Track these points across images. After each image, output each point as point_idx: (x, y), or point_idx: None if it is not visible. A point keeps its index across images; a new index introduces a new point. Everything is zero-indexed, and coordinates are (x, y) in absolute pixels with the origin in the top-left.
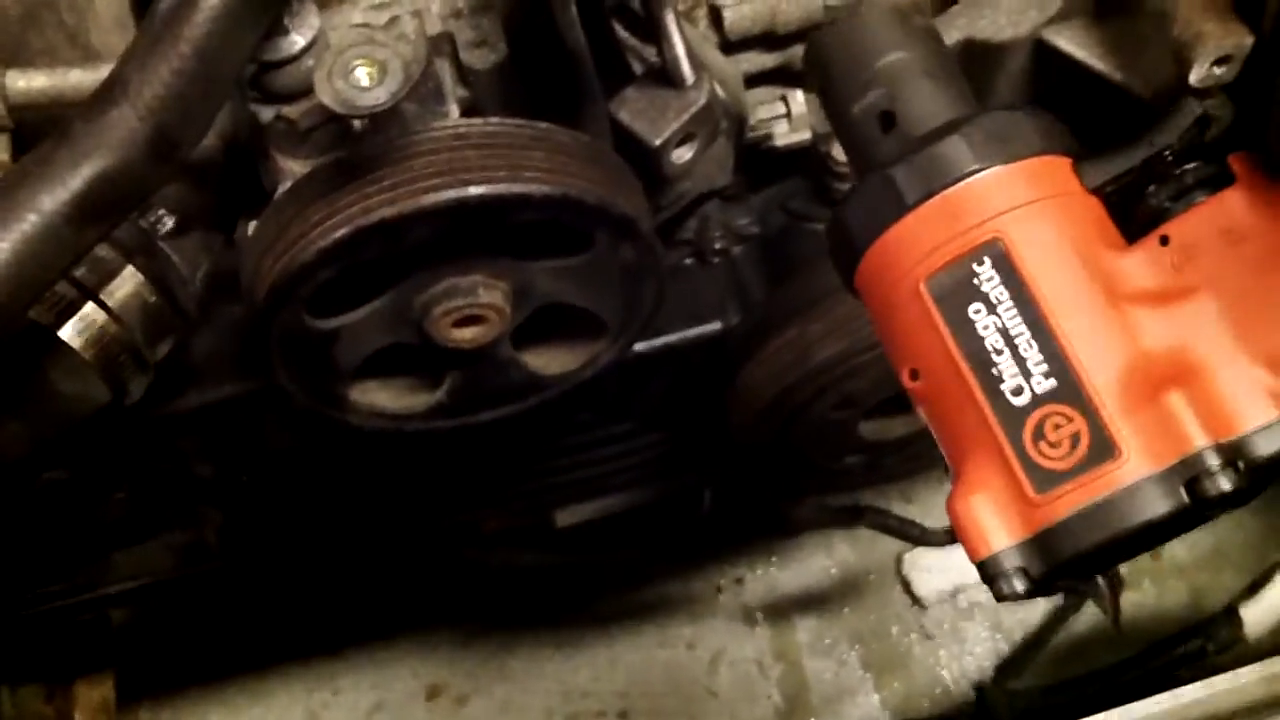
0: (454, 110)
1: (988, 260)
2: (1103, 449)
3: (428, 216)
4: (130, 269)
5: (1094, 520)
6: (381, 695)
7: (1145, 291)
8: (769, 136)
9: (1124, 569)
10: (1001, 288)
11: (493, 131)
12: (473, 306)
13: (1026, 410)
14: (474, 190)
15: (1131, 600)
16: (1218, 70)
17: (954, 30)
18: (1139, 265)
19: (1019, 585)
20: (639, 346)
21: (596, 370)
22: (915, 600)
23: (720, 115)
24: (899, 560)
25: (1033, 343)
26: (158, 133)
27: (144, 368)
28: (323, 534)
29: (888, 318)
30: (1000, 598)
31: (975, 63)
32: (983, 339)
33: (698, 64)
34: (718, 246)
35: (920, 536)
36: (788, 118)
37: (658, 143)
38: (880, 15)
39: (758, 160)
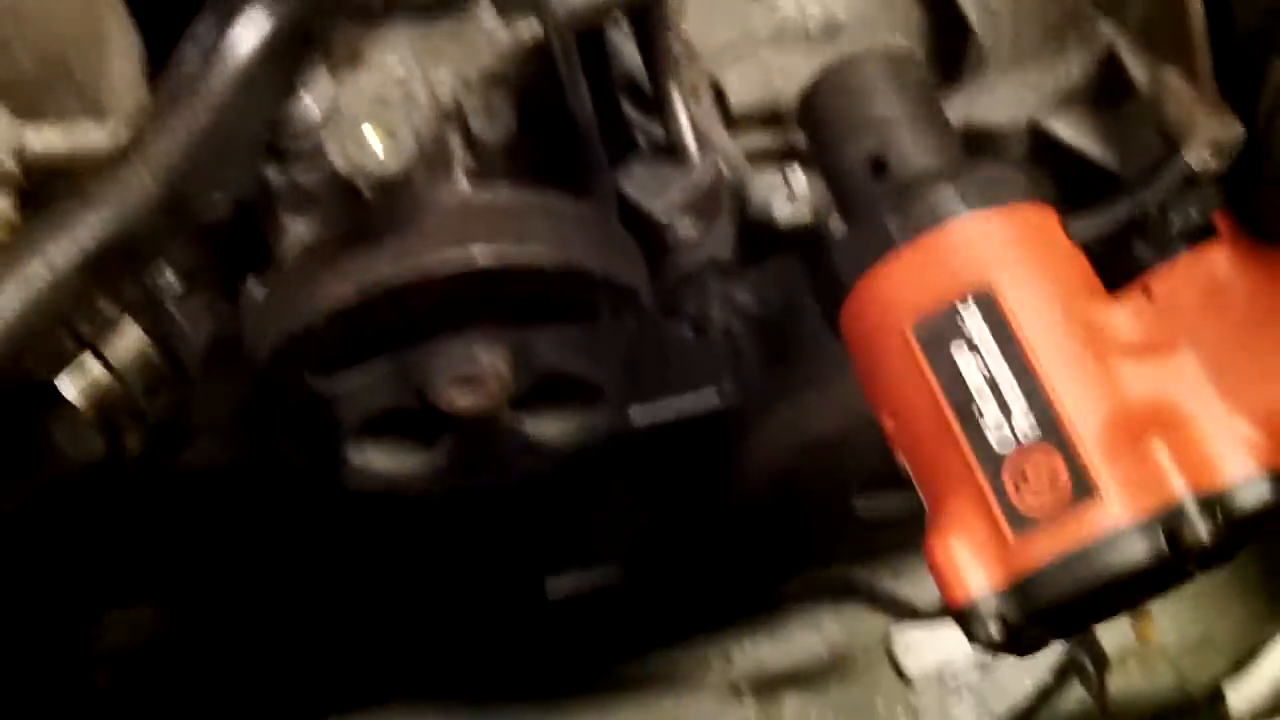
0: (461, 179)
1: (973, 303)
2: (1083, 493)
3: (433, 283)
4: (133, 325)
5: (1072, 567)
6: None
7: (1128, 343)
8: (770, 214)
9: (1110, 649)
10: (986, 330)
11: (499, 202)
12: (474, 373)
13: (1007, 454)
14: (480, 259)
15: (1117, 683)
16: (1208, 161)
17: (951, 114)
18: (1122, 317)
19: (995, 632)
20: (636, 419)
21: (594, 439)
22: (903, 678)
23: (724, 191)
24: (887, 638)
25: (1015, 385)
26: (171, 193)
27: (142, 423)
28: (313, 600)
29: (871, 358)
30: (976, 642)
31: (972, 149)
32: (965, 380)
33: (703, 140)
34: (716, 321)
35: (910, 612)
36: (790, 196)
37: (663, 217)
38: (875, 63)
39: (758, 236)
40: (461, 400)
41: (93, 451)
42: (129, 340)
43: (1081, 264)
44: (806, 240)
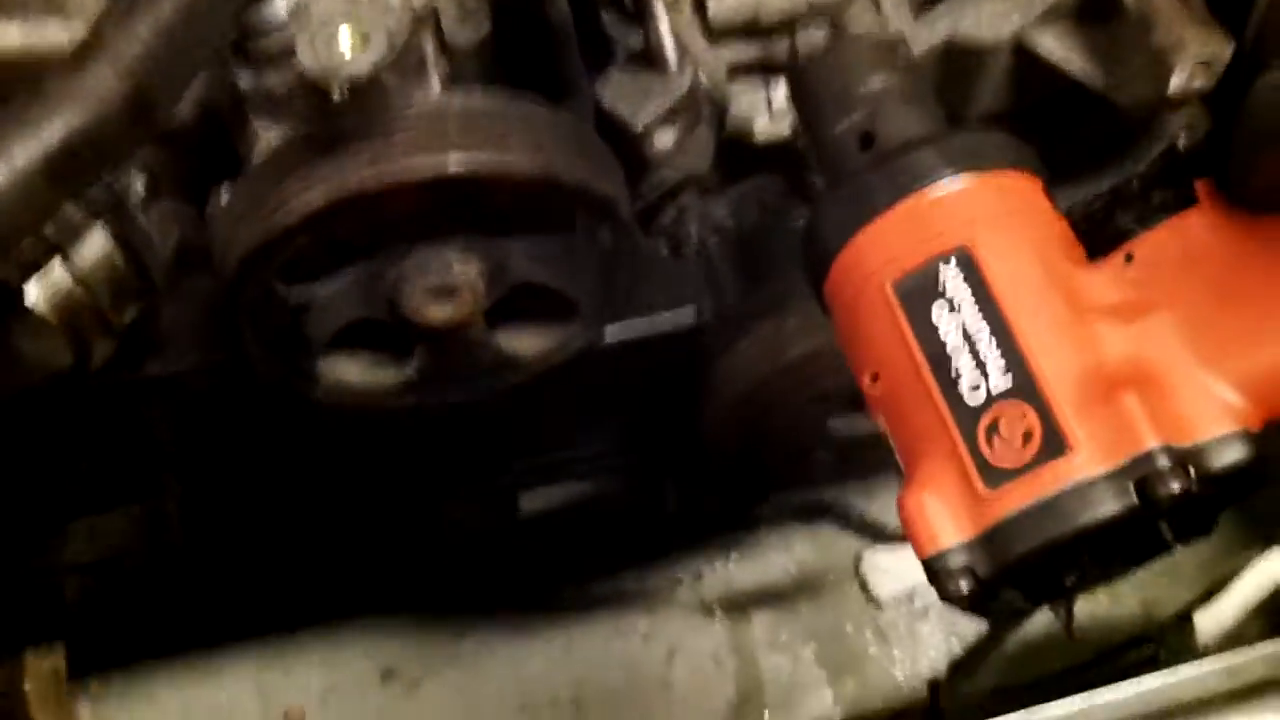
0: (435, 84)
1: (954, 262)
2: (1054, 445)
3: (406, 190)
4: (100, 231)
5: (1042, 518)
6: (335, 677)
7: (1107, 305)
8: (749, 128)
9: None
10: (965, 289)
11: (475, 107)
12: (446, 283)
13: (982, 408)
14: (454, 165)
15: (1084, 609)
16: (1196, 80)
17: (937, 28)
18: (1102, 281)
19: (964, 585)
20: (611, 335)
21: (568, 355)
22: (872, 600)
23: (702, 102)
24: (857, 560)
25: (992, 341)
26: (136, 93)
27: (109, 331)
28: (283, 510)
29: (853, 322)
30: (945, 597)
31: (956, 65)
32: (943, 339)
33: (682, 50)
34: (693, 238)
35: (881, 534)
36: (769, 110)
37: (640, 126)
38: (865, 45)
39: (736, 152)
40: (434, 312)
41: (59, 360)
42: (95, 246)
43: (1063, 229)
44: (784, 156)
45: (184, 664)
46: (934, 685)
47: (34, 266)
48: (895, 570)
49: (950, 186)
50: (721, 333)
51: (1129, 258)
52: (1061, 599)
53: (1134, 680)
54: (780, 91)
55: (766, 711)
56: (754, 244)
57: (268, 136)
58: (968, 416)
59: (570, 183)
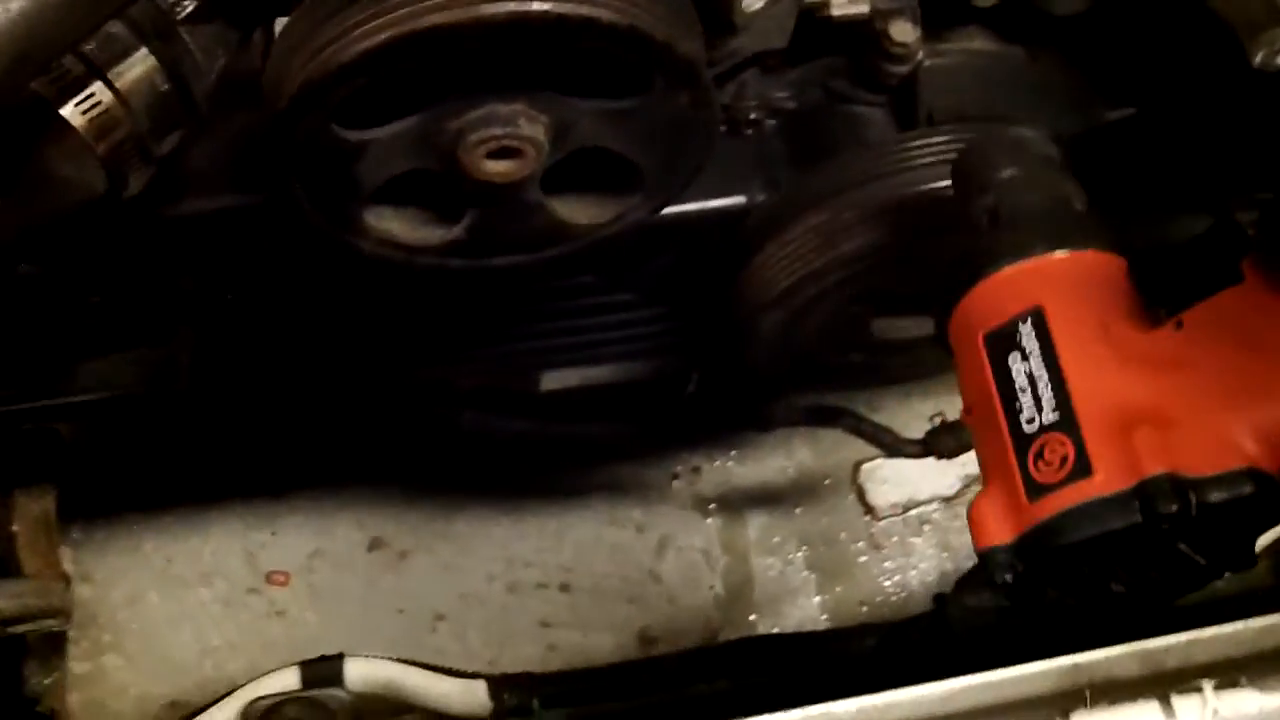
0: None
1: (1030, 320)
2: (1083, 468)
3: (481, 30)
4: (144, 51)
5: (1064, 521)
6: (322, 542)
7: (1153, 359)
8: (827, 3)
9: None
10: (1035, 342)
11: None
12: (510, 138)
13: (1034, 435)
14: (536, 6)
15: None
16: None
17: None
18: (1152, 341)
19: (1006, 575)
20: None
21: (623, 226)
22: (868, 510)
23: None
24: (856, 469)
25: (1049, 385)
26: None
27: (147, 159)
28: (296, 367)
29: (960, 359)
30: (992, 585)
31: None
32: (1014, 381)
33: None
34: (752, 117)
35: (892, 445)
36: None
37: None
38: (1004, 140)
39: (809, 29)
40: (493, 167)
41: (93, 186)
42: (139, 67)
43: (1130, 300)
44: (857, 38)
45: (171, 517)
46: (940, 598)
47: (75, 86)
48: (893, 480)
49: (1039, 261)
50: (771, 218)
51: (1179, 324)
52: (1107, 603)
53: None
54: None
55: (753, 613)
56: (813, 129)
57: None
58: (1023, 442)
59: (658, 38)
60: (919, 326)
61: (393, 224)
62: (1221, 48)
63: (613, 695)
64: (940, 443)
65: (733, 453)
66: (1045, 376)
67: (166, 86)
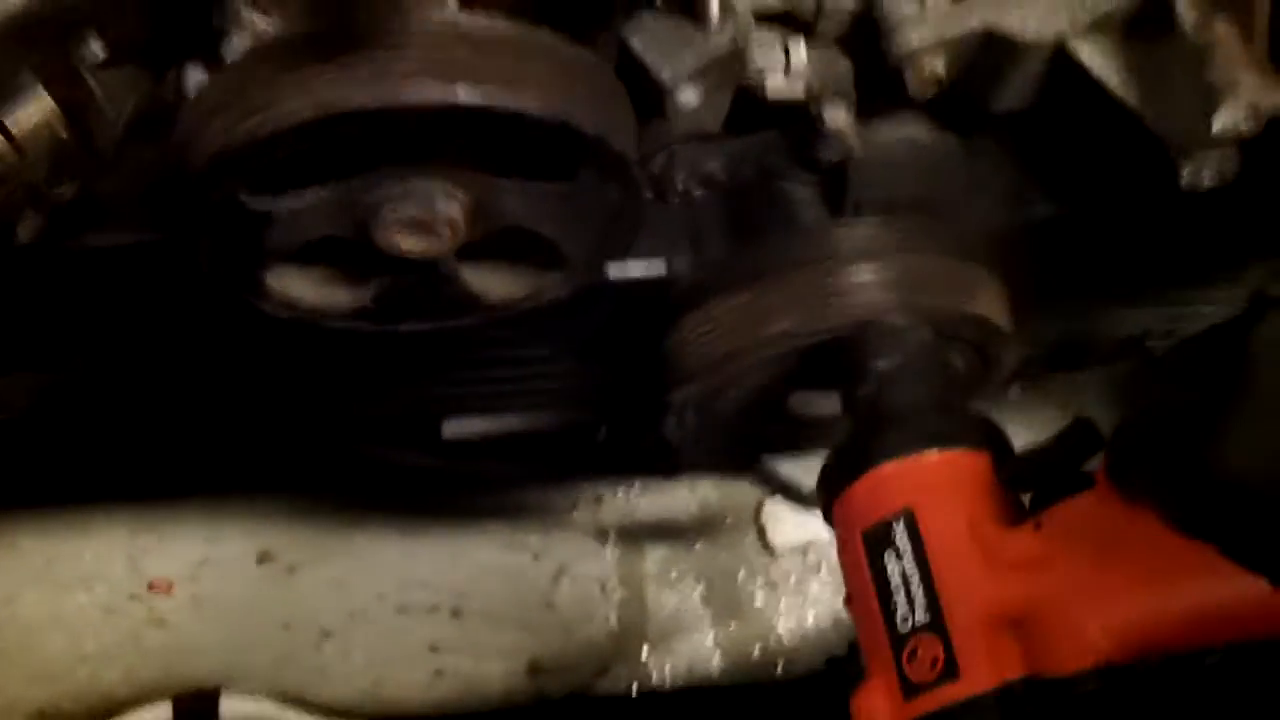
0: (452, 3)
1: (903, 521)
2: (950, 671)
3: (406, 115)
4: (43, 94)
5: None
6: (209, 550)
7: (1015, 560)
8: (761, 84)
9: None
10: (908, 543)
11: (493, 33)
12: (427, 215)
13: (908, 635)
14: (464, 96)
15: None
16: (1243, 123)
17: (976, 16)
18: (1016, 541)
19: None
20: None
21: (540, 303)
22: (767, 548)
23: (735, 61)
24: (759, 508)
25: (920, 585)
26: None
27: (39, 207)
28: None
29: (841, 549)
30: None
31: (992, 55)
32: (889, 578)
33: (726, 3)
34: (680, 188)
35: (802, 497)
36: (786, 68)
37: (669, 80)
38: (884, 329)
39: (743, 106)
40: (407, 243)
41: None
42: (37, 110)
43: (995, 497)
44: (792, 117)
45: (53, 516)
46: (832, 661)
47: None
48: (794, 521)
49: (910, 462)
50: (694, 291)
51: (1039, 525)
52: None
53: None
54: (800, 51)
55: (646, 644)
56: (743, 203)
57: (254, 21)
58: (898, 641)
59: (588, 133)
60: (835, 403)
61: (297, 286)
62: (1154, 161)
63: None
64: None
65: (636, 484)
66: (917, 577)
67: (67, 134)
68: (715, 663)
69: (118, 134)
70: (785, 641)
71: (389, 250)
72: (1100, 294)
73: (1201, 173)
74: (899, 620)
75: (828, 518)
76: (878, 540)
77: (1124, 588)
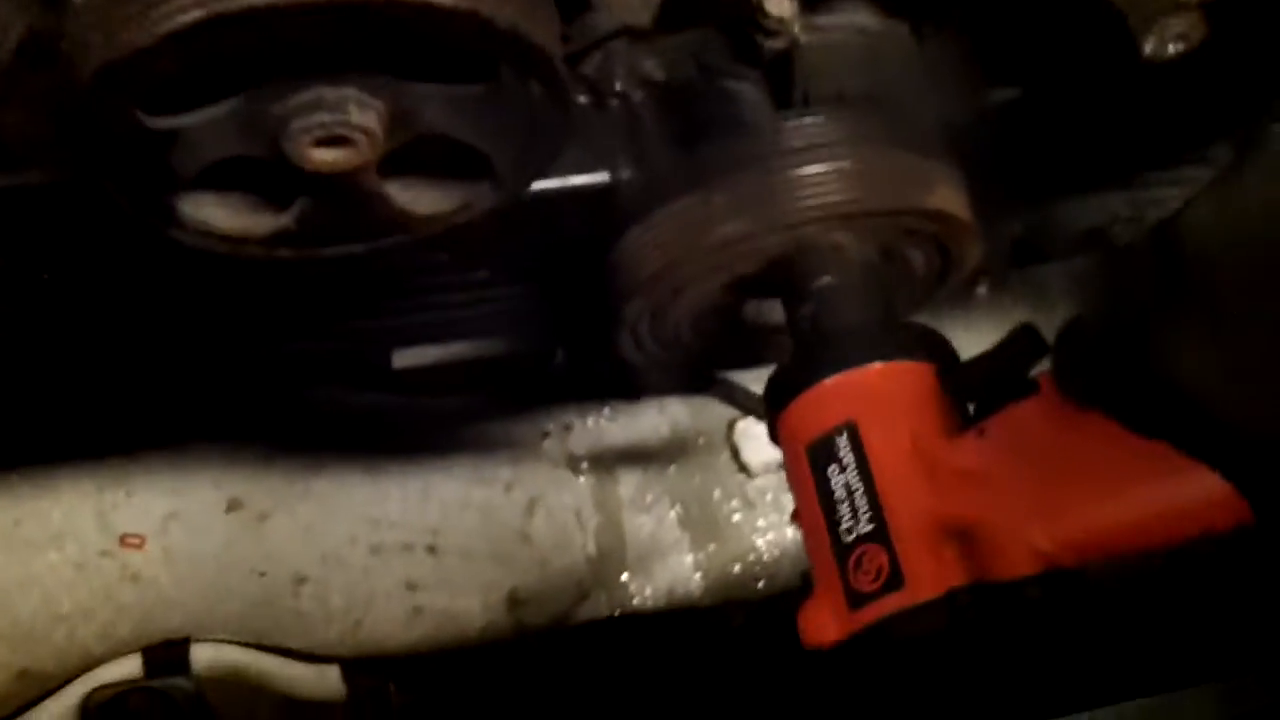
0: None
1: (845, 434)
2: (895, 580)
3: (306, 12)
4: None
5: (880, 632)
6: (178, 503)
7: (959, 469)
8: None
9: None
10: (850, 455)
11: None
12: (340, 126)
13: (851, 546)
14: None
15: None
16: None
17: None
18: (959, 450)
19: None
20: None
21: (471, 217)
22: (742, 468)
23: None
24: (731, 427)
25: (864, 497)
26: None
27: None
28: (122, 345)
29: (788, 463)
30: None
31: None
32: (832, 489)
33: None
34: (618, 89)
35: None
36: None
37: None
38: (823, 247)
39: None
40: (322, 157)
41: None
42: None
43: (939, 407)
44: (732, 9)
45: (17, 477)
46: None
47: None
48: (766, 439)
49: (851, 375)
50: (638, 199)
51: (982, 432)
52: None
53: None
54: None
55: (626, 572)
56: (685, 104)
57: None
58: (843, 552)
59: (501, 26)
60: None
61: (213, 212)
62: (1111, 34)
63: (474, 676)
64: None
65: (605, 410)
66: (861, 489)
67: None
68: (696, 584)
69: (6, 61)
70: (765, 559)
71: (304, 166)
72: (1063, 182)
73: (1165, 41)
74: (843, 531)
75: (774, 436)
76: (821, 453)
77: (1069, 492)
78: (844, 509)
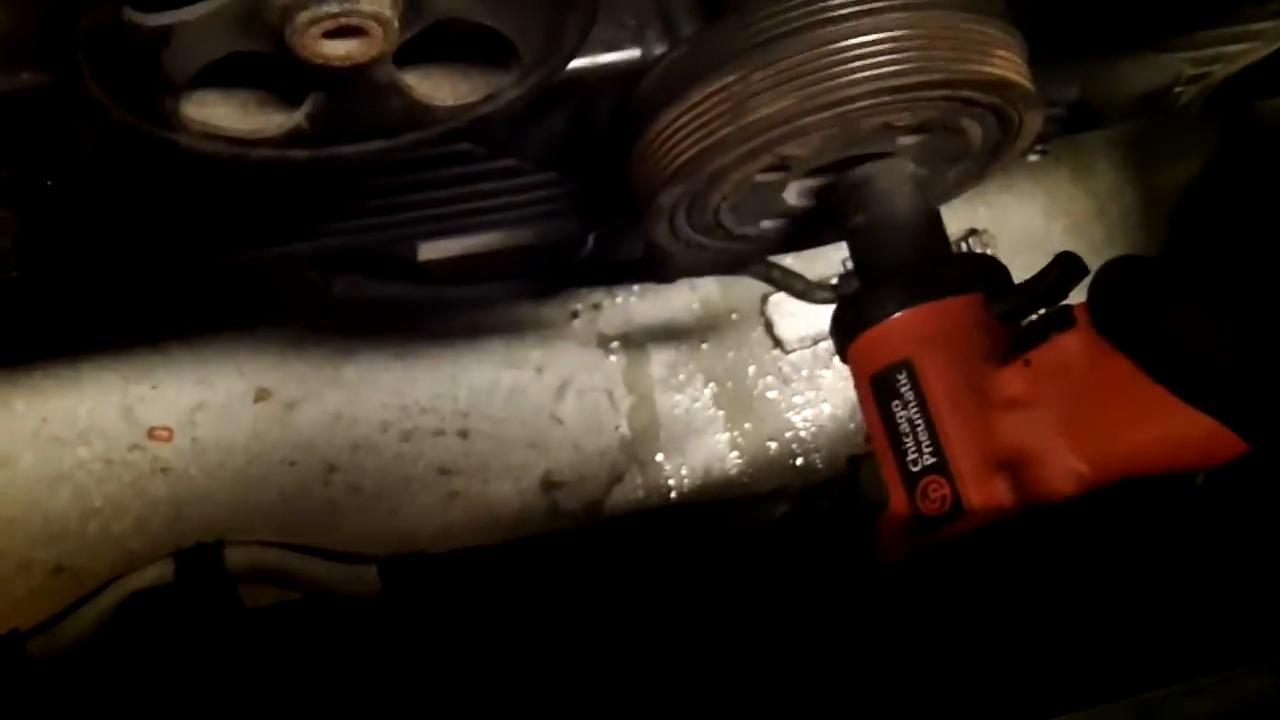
0: None
1: (904, 372)
2: (957, 509)
3: None
4: None
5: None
6: (205, 394)
7: (1007, 399)
8: None
9: None
10: (910, 391)
11: None
12: (350, 15)
13: (919, 475)
14: None
15: None
16: None
17: None
18: (1007, 379)
19: None
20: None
21: (496, 108)
22: (776, 343)
23: None
24: (763, 301)
25: (925, 432)
26: None
27: None
28: (137, 250)
29: (858, 391)
30: None
31: None
32: (898, 425)
33: None
34: None
35: (803, 291)
36: None
37: None
38: (855, 182)
39: None
40: (334, 49)
41: None
42: None
43: (986, 337)
44: None
45: (43, 374)
46: (854, 460)
47: None
48: (801, 313)
49: (907, 315)
50: (670, 78)
51: (1027, 363)
52: None
53: None
54: None
55: (660, 452)
56: None
57: None
58: (910, 481)
59: None
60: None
61: (218, 113)
62: None
63: (508, 574)
64: (852, 288)
65: (635, 288)
66: (922, 424)
67: None
68: (731, 461)
69: None
70: (802, 435)
71: (314, 61)
72: (1125, 40)
73: None
74: (909, 462)
75: (844, 358)
76: (884, 387)
77: (1100, 423)
78: (909, 441)
